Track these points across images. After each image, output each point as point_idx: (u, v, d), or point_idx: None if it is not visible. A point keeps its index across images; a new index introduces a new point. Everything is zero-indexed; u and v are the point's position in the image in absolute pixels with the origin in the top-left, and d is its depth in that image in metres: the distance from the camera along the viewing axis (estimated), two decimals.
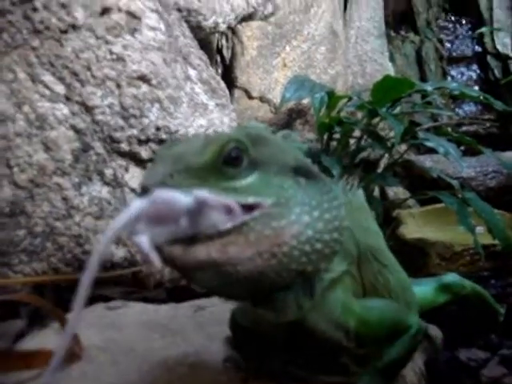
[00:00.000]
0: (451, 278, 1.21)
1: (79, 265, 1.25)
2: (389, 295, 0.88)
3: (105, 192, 1.25)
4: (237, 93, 2.39)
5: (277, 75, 2.52)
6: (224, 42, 2.36)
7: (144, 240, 0.59)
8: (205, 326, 1.02)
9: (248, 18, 1.86)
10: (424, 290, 1.17)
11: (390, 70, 3.15)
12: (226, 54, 2.39)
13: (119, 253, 1.29)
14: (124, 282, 1.32)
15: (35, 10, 1.15)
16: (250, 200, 0.65)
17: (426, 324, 0.89)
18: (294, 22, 2.59)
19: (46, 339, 0.93)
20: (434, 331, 1.11)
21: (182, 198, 0.61)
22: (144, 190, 0.62)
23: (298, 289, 0.73)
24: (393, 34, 3.42)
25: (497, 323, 1.23)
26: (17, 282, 1.17)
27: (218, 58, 2.38)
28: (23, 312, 1.06)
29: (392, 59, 3.28)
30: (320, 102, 1.88)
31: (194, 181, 0.63)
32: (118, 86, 1.20)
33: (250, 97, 2.44)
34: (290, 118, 2.46)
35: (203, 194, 0.62)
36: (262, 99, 2.46)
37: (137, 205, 0.60)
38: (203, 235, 0.62)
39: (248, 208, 0.65)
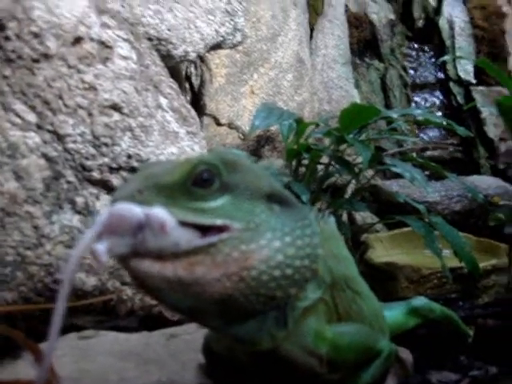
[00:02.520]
0: (420, 301, 1.24)
1: (50, 294, 1.24)
2: (362, 322, 0.89)
3: (76, 220, 1.24)
4: (205, 120, 2.41)
5: (245, 102, 2.55)
6: (193, 69, 2.38)
7: (102, 248, 0.60)
8: (178, 353, 1.02)
9: (217, 46, 1.89)
10: (394, 314, 1.19)
11: (356, 97, 3.21)
12: (195, 81, 2.42)
13: (90, 281, 1.28)
14: (95, 310, 1.31)
15: (7, 39, 1.15)
16: (218, 222, 0.66)
17: (396, 347, 0.91)
18: (261, 50, 2.64)
19: (19, 370, 0.92)
20: (405, 354, 1.12)
21: (133, 212, 0.62)
22: (112, 204, 0.64)
23: (271, 318, 0.74)
24: (358, 61, 3.48)
25: (466, 345, 1.26)
26: None
27: (187, 86, 2.40)
28: None
29: (357, 86, 3.34)
30: (288, 129, 1.91)
31: (161, 198, 0.64)
32: (90, 114, 1.21)
33: (219, 123, 2.46)
34: (258, 145, 2.48)
35: (157, 210, 0.63)
36: (230, 126, 2.48)
37: (98, 220, 0.61)
38: (169, 252, 0.63)
39: (216, 230, 0.66)
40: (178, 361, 0.98)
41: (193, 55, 1.74)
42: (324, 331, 0.80)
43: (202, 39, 1.74)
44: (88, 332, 1.11)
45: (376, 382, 0.84)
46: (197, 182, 0.67)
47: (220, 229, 0.66)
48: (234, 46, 1.97)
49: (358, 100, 3.13)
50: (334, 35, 3.27)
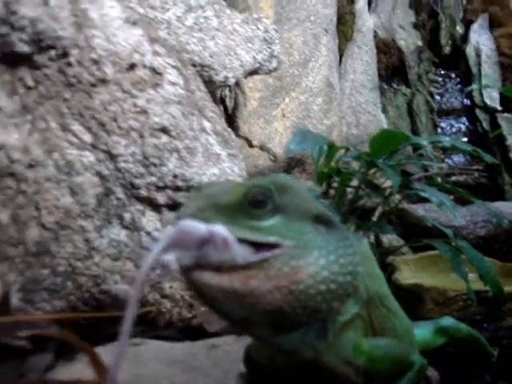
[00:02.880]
0: (447, 321, 1.29)
1: (96, 304, 1.32)
2: (395, 338, 0.95)
3: (123, 235, 1.32)
4: (238, 141, 2.49)
5: (276, 125, 2.64)
6: (227, 92, 2.47)
7: (171, 259, 0.68)
8: (220, 363, 1.07)
9: (254, 72, 1.97)
10: (422, 332, 1.24)
11: (383, 121, 3.28)
12: (229, 103, 2.50)
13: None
14: (136, 321, 1.37)
15: (69, 64, 1.24)
16: (271, 239, 0.73)
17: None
18: (293, 74, 2.73)
19: (75, 371, 0.99)
20: (431, 372, 1.17)
21: (198, 228, 0.69)
22: (176, 221, 0.71)
23: (313, 331, 0.80)
24: (385, 86, 3.55)
25: (490, 365, 1.30)
26: (40, 318, 1.23)
27: (221, 108, 2.48)
28: (50, 346, 1.13)
29: (385, 111, 3.41)
30: (318, 152, 1.98)
31: (221, 217, 0.71)
32: (141, 136, 1.29)
33: (251, 145, 2.54)
34: (288, 167, 2.55)
35: (218, 228, 0.70)
36: (262, 148, 2.56)
37: (166, 234, 0.69)
38: (228, 266, 0.70)
39: (269, 247, 0.73)
40: (221, 369, 1.04)
41: (232, 81, 1.83)
42: (361, 344, 0.86)
43: (241, 66, 1.83)
44: (136, 340, 1.17)
45: None
46: (252, 203, 0.74)
47: (272, 246, 0.73)
48: (269, 72, 2.06)
49: (385, 125, 3.20)
50: (363, 61, 3.35)
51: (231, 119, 2.51)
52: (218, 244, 0.69)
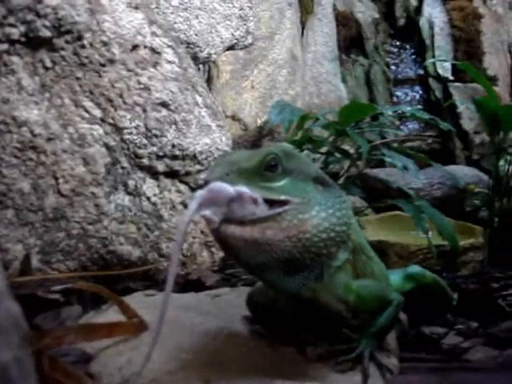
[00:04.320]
0: (414, 269, 1.47)
1: (103, 263, 1.46)
2: (374, 280, 1.13)
3: (127, 200, 1.46)
4: None
5: (246, 96, 2.77)
6: (201, 66, 2.59)
7: (208, 213, 0.84)
8: (224, 308, 1.23)
9: (231, 48, 2.11)
10: (393, 278, 1.41)
11: (343, 91, 3.44)
12: (203, 77, 2.62)
13: (135, 253, 1.49)
14: (138, 277, 1.52)
15: (83, 46, 1.36)
16: (282, 197, 0.90)
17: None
18: (261, 47, 2.86)
19: (107, 319, 1.13)
20: (400, 315, 1.34)
21: (227, 189, 0.85)
22: (206, 183, 0.87)
23: (312, 275, 0.97)
24: (344, 57, 3.70)
25: (451, 306, 1.48)
26: (57, 276, 1.37)
27: None
28: (74, 299, 1.27)
29: (344, 81, 3.57)
30: (289, 121, 2.13)
31: (242, 179, 0.88)
32: (144, 110, 1.43)
33: (225, 116, 2.67)
34: (259, 135, 2.69)
35: (243, 188, 0.86)
36: (233, 118, 2.70)
37: (200, 193, 0.84)
38: (248, 220, 0.86)
39: (281, 203, 0.90)
40: (227, 313, 1.19)
41: (214, 57, 1.97)
42: (351, 284, 1.03)
43: (221, 42, 1.97)
44: (150, 291, 1.32)
45: (389, 325, 1.08)
46: (267, 167, 0.90)
47: (283, 202, 0.90)
48: (245, 47, 2.19)
49: (344, 94, 3.36)
50: (323, 33, 3.49)
51: None
52: (246, 202, 0.85)
